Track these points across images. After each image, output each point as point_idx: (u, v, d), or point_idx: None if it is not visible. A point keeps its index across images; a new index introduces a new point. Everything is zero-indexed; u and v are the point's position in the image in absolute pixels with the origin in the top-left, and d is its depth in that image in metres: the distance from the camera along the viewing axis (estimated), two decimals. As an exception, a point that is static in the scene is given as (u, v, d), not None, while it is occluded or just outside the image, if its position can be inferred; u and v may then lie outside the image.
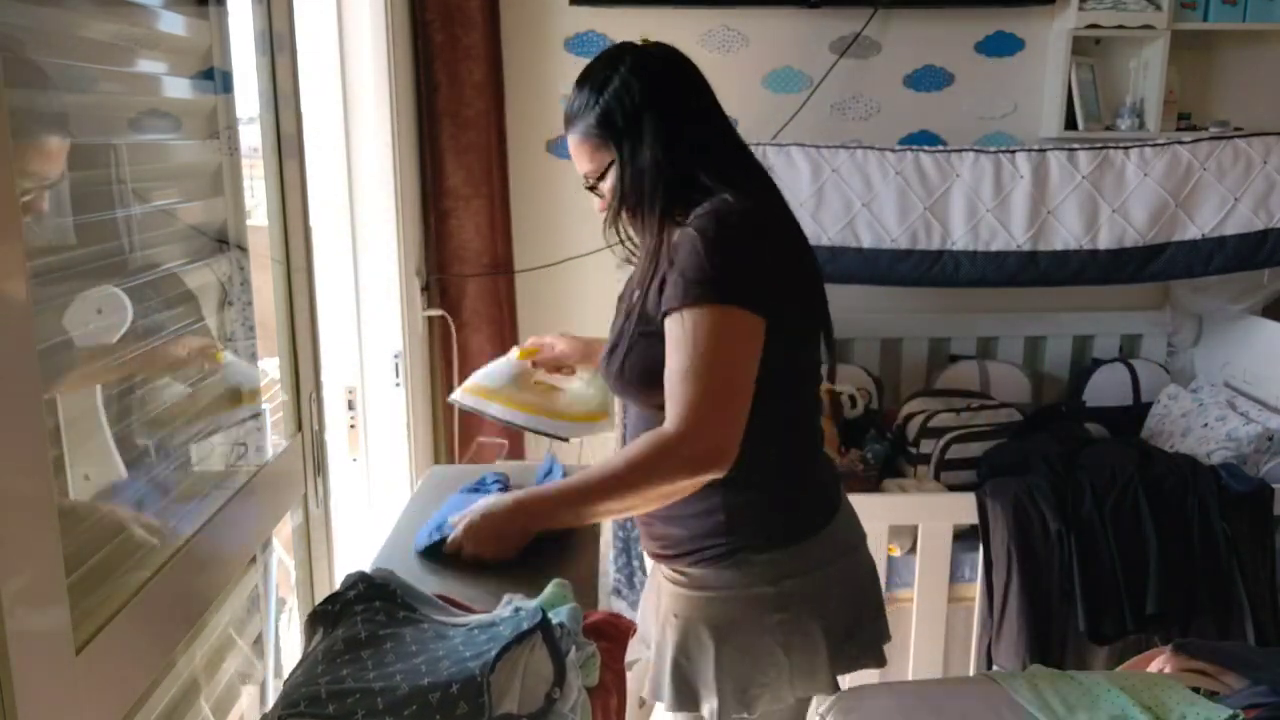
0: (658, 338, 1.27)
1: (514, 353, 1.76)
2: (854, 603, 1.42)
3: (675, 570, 1.41)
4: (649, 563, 1.58)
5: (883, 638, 1.46)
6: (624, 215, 1.36)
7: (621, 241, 1.42)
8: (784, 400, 1.33)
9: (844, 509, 1.44)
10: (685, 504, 1.33)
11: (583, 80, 1.37)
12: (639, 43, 1.38)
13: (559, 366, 1.76)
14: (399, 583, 1.23)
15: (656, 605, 1.48)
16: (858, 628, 1.42)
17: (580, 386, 1.77)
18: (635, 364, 1.32)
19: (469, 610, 1.25)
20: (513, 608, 1.24)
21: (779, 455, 1.36)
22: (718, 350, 1.22)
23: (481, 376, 1.74)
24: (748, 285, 1.24)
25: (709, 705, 1.38)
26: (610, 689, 1.20)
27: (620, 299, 1.46)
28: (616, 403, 1.54)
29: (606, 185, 1.36)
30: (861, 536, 1.46)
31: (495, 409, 1.72)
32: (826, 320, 1.38)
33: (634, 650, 1.42)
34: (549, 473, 1.69)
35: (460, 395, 1.75)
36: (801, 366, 1.37)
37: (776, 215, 1.36)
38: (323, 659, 1.03)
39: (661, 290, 1.27)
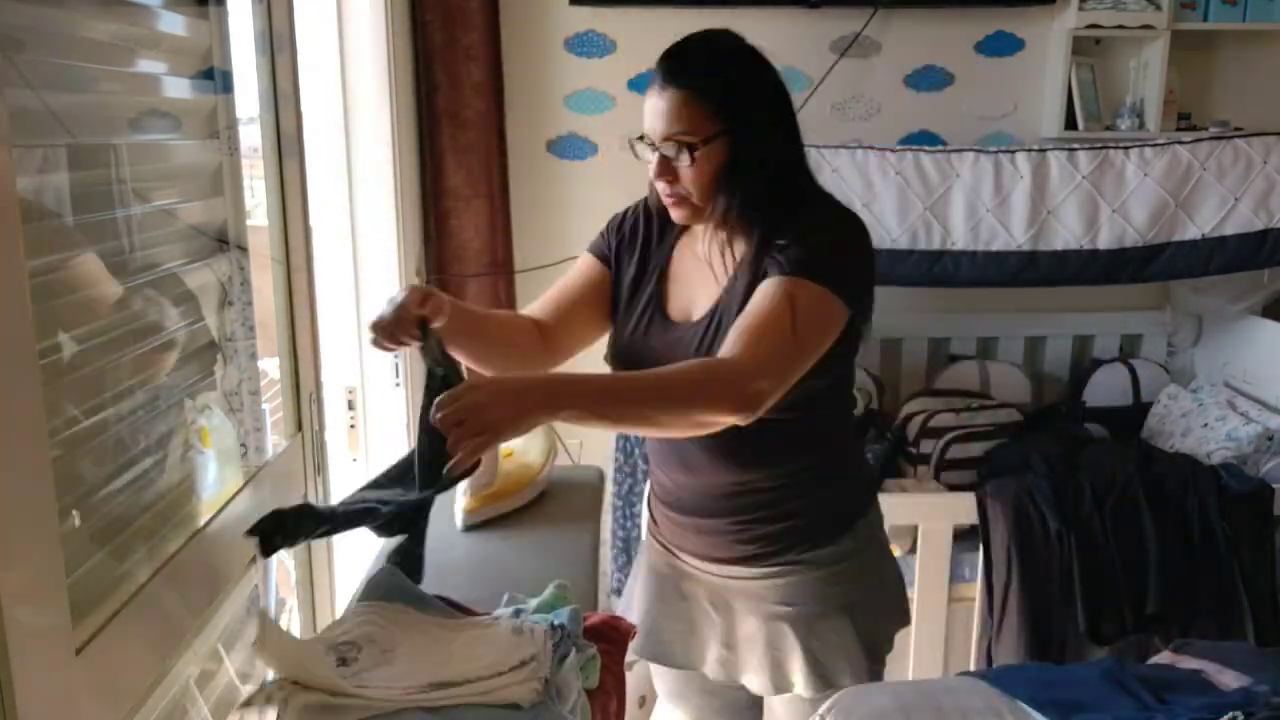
0: None
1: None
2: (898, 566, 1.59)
3: (779, 564, 1.41)
4: (633, 561, 1.57)
5: None
6: (723, 201, 1.30)
7: (720, 224, 1.33)
8: (847, 390, 1.46)
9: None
10: (790, 499, 1.39)
11: (697, 37, 1.32)
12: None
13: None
14: (400, 584, 1.23)
15: (722, 614, 1.47)
16: (904, 592, 1.58)
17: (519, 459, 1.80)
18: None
19: (469, 612, 1.25)
20: (513, 609, 1.24)
21: (847, 438, 1.54)
22: (807, 321, 1.23)
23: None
24: (851, 283, 1.28)
25: (848, 677, 1.43)
26: (610, 692, 1.20)
27: (649, 302, 1.42)
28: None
29: (698, 154, 1.27)
30: None
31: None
32: (869, 328, 1.43)
33: (633, 652, 1.41)
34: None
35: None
36: (855, 367, 1.48)
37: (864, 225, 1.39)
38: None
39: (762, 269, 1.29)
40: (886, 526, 1.55)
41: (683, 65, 1.29)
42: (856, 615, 1.43)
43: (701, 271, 1.37)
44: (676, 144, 1.28)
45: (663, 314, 1.40)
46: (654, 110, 1.29)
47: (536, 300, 1.50)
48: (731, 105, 1.27)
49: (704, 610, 1.48)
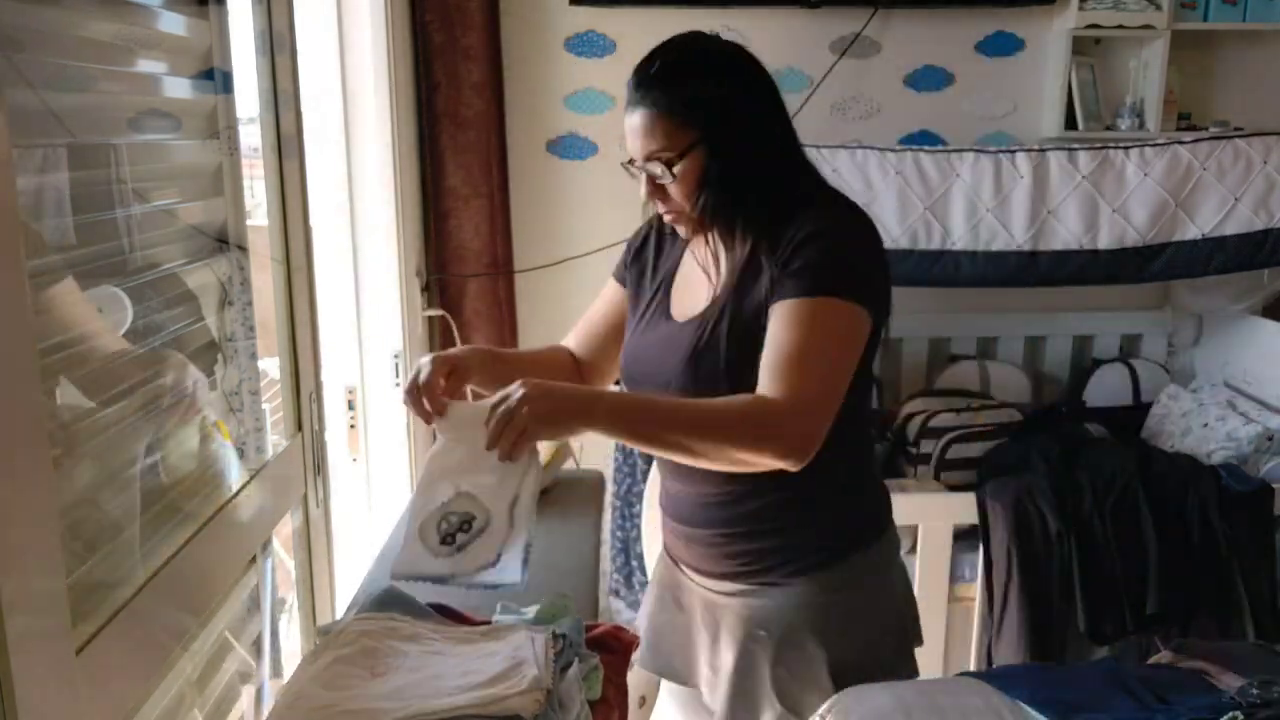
0: (751, 337, 1.24)
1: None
2: (909, 594, 1.51)
3: (760, 584, 1.37)
4: (649, 565, 1.56)
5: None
6: (706, 208, 1.27)
7: (705, 239, 1.32)
8: (861, 405, 1.35)
9: (893, 512, 1.47)
10: (778, 516, 1.33)
11: (659, 51, 1.29)
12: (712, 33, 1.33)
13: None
14: (397, 595, 1.23)
15: (707, 630, 1.44)
16: (915, 619, 1.52)
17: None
18: (746, 371, 1.25)
19: (467, 620, 1.24)
20: (512, 619, 1.23)
21: (859, 455, 1.42)
22: (841, 345, 1.22)
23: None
24: (871, 288, 1.25)
25: (817, 708, 1.36)
26: (612, 704, 1.18)
27: (641, 301, 1.42)
28: None
29: (678, 170, 1.26)
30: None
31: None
32: (887, 329, 1.40)
33: (636, 662, 1.41)
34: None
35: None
36: (868, 369, 1.36)
37: (872, 221, 1.34)
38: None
39: (763, 287, 1.25)
40: None
41: (648, 82, 1.26)
42: (834, 651, 1.36)
43: (700, 274, 1.37)
44: (657, 162, 1.27)
45: (666, 315, 1.40)
46: (630, 131, 1.29)
47: (570, 331, 1.54)
48: (701, 113, 1.25)
49: (698, 625, 1.46)
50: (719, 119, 1.25)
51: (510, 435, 1.11)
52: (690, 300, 1.38)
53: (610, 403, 1.19)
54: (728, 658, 1.40)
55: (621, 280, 1.50)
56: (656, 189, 1.30)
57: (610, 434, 1.19)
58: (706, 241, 1.33)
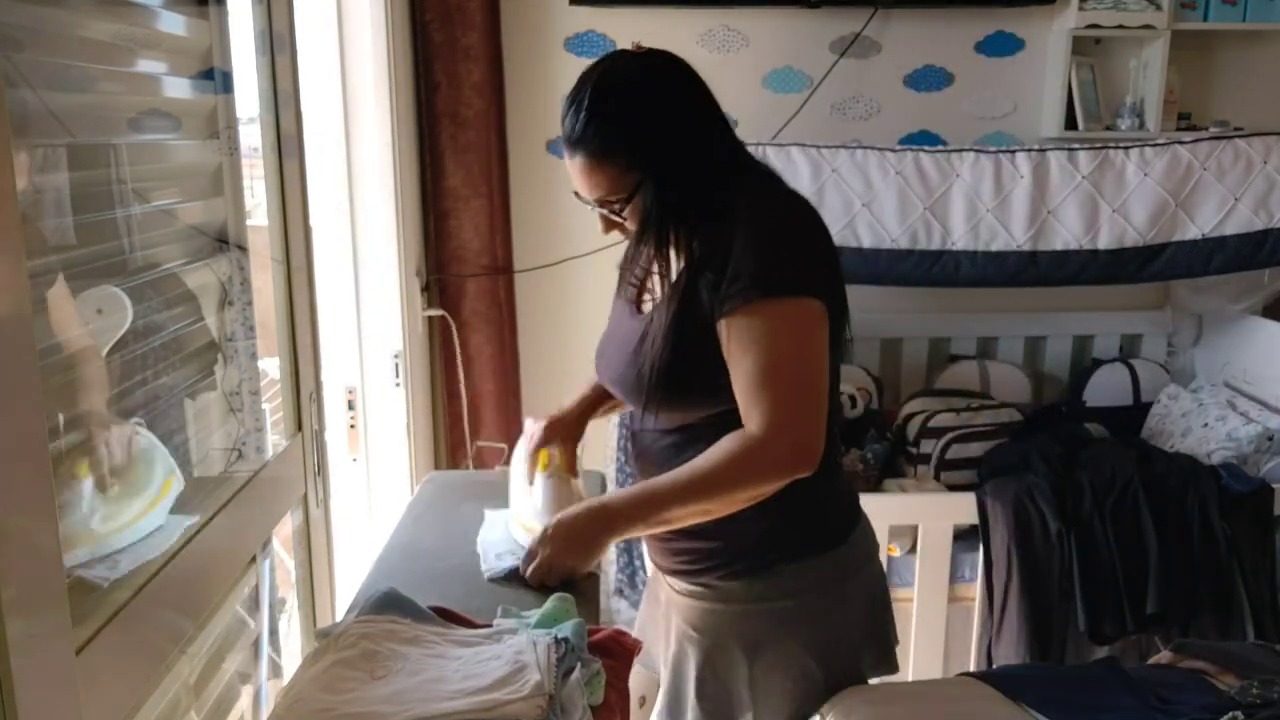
0: (699, 347, 1.23)
1: (538, 477, 1.48)
2: (875, 611, 1.41)
3: (698, 585, 1.36)
4: (649, 566, 1.56)
5: (895, 643, 1.46)
6: (650, 243, 1.27)
7: (635, 279, 1.35)
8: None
9: (864, 515, 1.42)
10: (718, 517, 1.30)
11: (581, 95, 1.25)
12: (633, 49, 1.29)
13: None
14: (398, 598, 1.22)
15: (666, 623, 1.44)
16: (878, 637, 1.41)
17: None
18: (678, 379, 1.25)
19: (468, 623, 1.24)
20: (514, 623, 1.22)
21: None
22: (795, 344, 1.19)
23: (530, 514, 1.47)
24: (810, 273, 1.21)
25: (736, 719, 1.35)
26: (615, 709, 1.17)
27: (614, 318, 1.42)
28: (615, 434, 1.52)
29: (626, 211, 1.28)
30: (877, 545, 1.45)
31: None
32: (847, 316, 1.33)
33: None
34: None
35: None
36: (832, 365, 1.29)
37: (808, 205, 1.30)
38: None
39: (702, 294, 1.22)
40: (887, 526, 1.52)
41: (577, 128, 1.25)
42: (757, 664, 1.33)
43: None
44: (608, 206, 1.29)
45: (635, 309, 1.39)
46: (573, 173, 1.29)
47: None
48: (639, 154, 1.23)
49: (663, 619, 1.46)
50: (657, 153, 1.24)
51: (551, 579, 1.30)
52: (652, 299, 1.37)
53: (619, 509, 1.27)
54: (668, 654, 1.41)
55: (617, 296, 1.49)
56: (612, 225, 1.33)
57: (636, 533, 1.34)
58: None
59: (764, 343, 1.18)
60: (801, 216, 1.26)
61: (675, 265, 1.29)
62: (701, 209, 1.24)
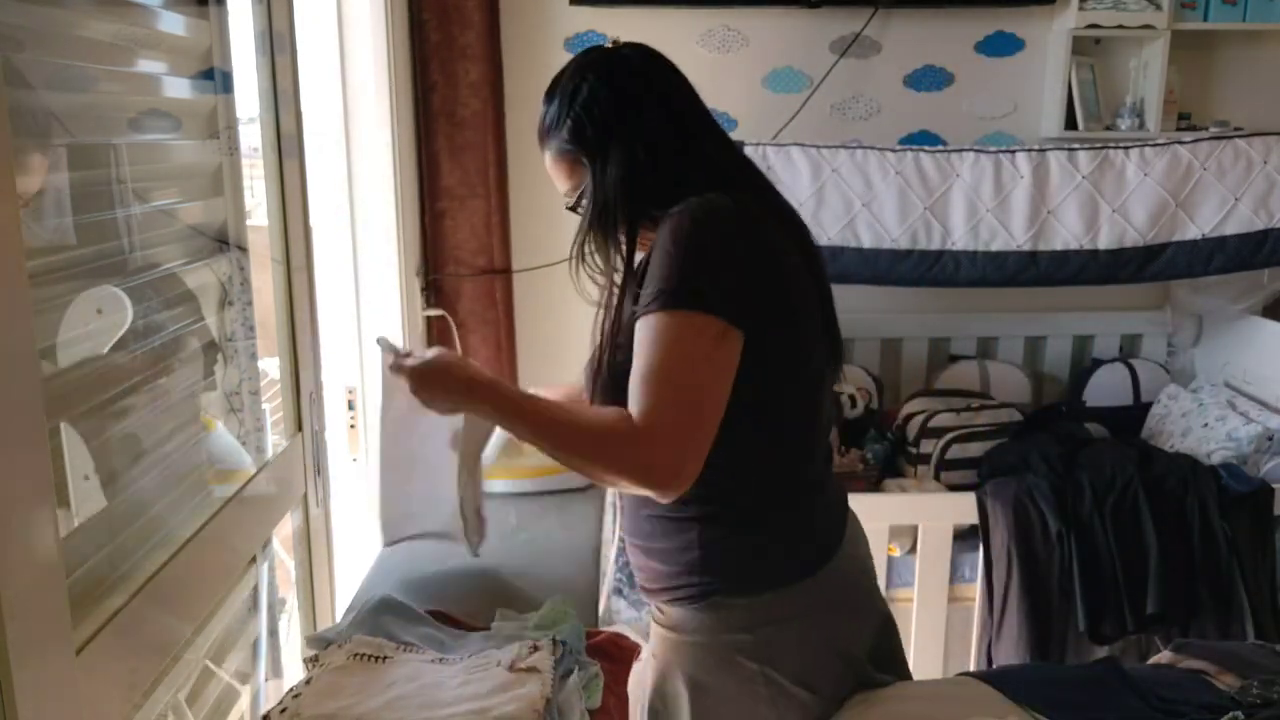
0: (627, 341, 1.16)
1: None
2: (844, 663, 1.28)
3: (655, 606, 1.32)
4: None
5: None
6: (592, 239, 1.23)
7: (587, 274, 1.26)
8: (768, 430, 1.19)
9: (839, 559, 1.27)
10: (664, 536, 1.23)
11: (551, 92, 1.27)
12: (609, 44, 1.28)
13: None
14: (395, 604, 1.22)
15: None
16: (854, 686, 1.29)
17: None
18: (611, 380, 1.21)
19: (466, 626, 1.24)
20: (513, 625, 1.22)
21: (760, 492, 1.22)
22: (685, 358, 1.08)
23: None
24: (721, 291, 1.10)
25: None
26: (613, 712, 1.17)
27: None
28: None
29: (583, 206, 1.25)
30: (863, 596, 1.33)
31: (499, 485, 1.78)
32: (833, 329, 1.26)
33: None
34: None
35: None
36: (789, 394, 1.20)
37: (763, 215, 1.19)
38: None
39: (628, 302, 1.19)
40: (887, 526, 1.49)
41: (542, 122, 1.28)
42: (702, 705, 1.23)
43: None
44: (568, 198, 1.29)
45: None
46: (549, 172, 1.31)
47: None
48: (584, 145, 1.23)
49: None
50: (595, 147, 1.23)
51: (405, 378, 1.22)
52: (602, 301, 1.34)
53: (490, 395, 1.18)
54: (638, 669, 1.37)
55: None
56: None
57: (487, 417, 1.24)
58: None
59: (650, 349, 1.10)
60: (736, 229, 1.14)
61: (620, 268, 1.24)
62: (640, 211, 1.21)
